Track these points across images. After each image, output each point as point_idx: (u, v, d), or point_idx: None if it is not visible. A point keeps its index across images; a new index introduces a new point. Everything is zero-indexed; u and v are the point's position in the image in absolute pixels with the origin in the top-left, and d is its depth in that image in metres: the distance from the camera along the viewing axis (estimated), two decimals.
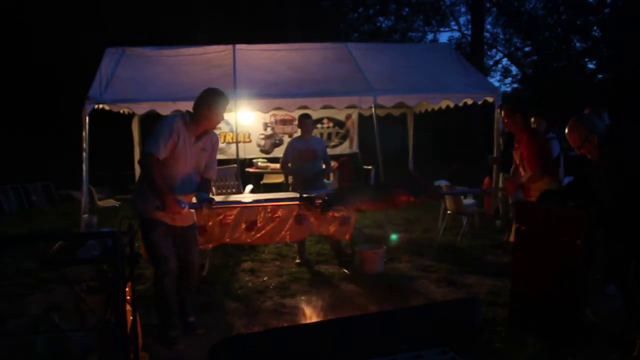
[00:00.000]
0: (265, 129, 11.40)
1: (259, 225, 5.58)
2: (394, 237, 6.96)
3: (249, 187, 8.29)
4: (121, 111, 7.78)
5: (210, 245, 5.61)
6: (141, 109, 7.35)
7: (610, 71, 20.72)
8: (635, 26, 17.44)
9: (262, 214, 5.57)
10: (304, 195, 4.70)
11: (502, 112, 4.86)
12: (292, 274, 5.82)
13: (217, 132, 10.99)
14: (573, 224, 3.70)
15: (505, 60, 24.99)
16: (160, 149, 3.69)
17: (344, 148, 11.87)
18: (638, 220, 3.49)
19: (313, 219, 5.74)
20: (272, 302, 4.96)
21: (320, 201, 4.43)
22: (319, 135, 10.88)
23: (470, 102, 8.27)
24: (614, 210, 3.62)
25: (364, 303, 4.89)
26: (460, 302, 3.83)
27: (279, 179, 10.62)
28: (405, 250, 6.68)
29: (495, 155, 7.73)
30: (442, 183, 7.02)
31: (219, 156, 10.68)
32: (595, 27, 21.88)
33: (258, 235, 5.61)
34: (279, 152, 10.86)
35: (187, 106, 7.47)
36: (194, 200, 4.07)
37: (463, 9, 23.97)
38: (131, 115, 9.26)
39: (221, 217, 5.45)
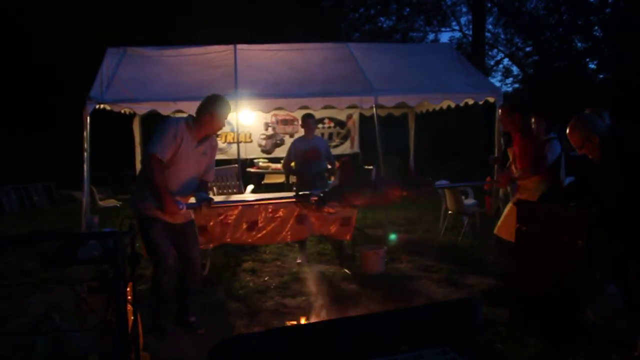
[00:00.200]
0: (267, 129, 11.40)
1: (260, 225, 5.59)
2: (393, 236, 6.95)
3: (250, 187, 8.30)
4: (122, 111, 7.79)
5: (212, 245, 5.62)
6: (142, 109, 7.35)
7: (611, 71, 20.69)
8: (636, 26, 17.42)
9: (263, 214, 5.57)
10: (300, 193, 4.74)
11: (500, 112, 4.88)
12: (293, 274, 5.82)
13: (218, 132, 11.02)
14: (574, 224, 3.70)
15: (506, 61, 24.96)
16: (163, 151, 3.74)
17: (345, 148, 11.87)
18: (639, 220, 3.49)
19: (314, 219, 5.75)
20: (273, 302, 4.96)
21: (315, 198, 4.48)
22: (319, 136, 10.88)
23: (471, 102, 8.27)
24: (615, 210, 3.62)
25: (365, 303, 4.89)
26: (461, 302, 3.84)
27: (280, 179, 10.62)
28: (406, 250, 6.68)
29: (496, 155, 7.72)
30: (443, 183, 7.02)
31: (220, 156, 10.82)
32: (596, 27, 21.85)
33: (259, 235, 5.61)
34: (280, 152, 10.88)
35: (188, 106, 7.54)
36: (192, 200, 4.11)
37: (464, 9, 23.94)
38: (132, 115, 9.27)
39: (222, 217, 5.45)
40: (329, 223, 5.84)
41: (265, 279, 5.71)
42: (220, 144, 10.74)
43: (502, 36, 24.15)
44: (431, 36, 24.77)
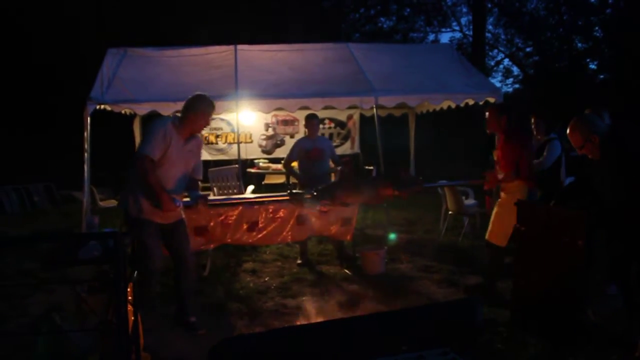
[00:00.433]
0: (267, 130, 11.41)
1: (260, 225, 5.59)
2: (392, 236, 6.95)
3: (251, 187, 8.29)
4: (123, 112, 7.79)
5: (212, 246, 5.61)
6: (142, 109, 7.36)
7: (611, 71, 20.70)
8: (636, 26, 17.43)
9: (263, 215, 5.57)
10: (293, 192, 4.78)
11: (488, 113, 4.90)
12: (294, 275, 5.82)
13: (218, 132, 11.03)
14: (574, 224, 3.69)
15: (506, 61, 25.02)
16: (155, 151, 3.85)
17: (346, 148, 11.87)
18: (639, 220, 3.49)
19: (315, 220, 5.75)
20: (273, 303, 4.96)
21: (309, 196, 4.53)
22: (323, 136, 10.88)
23: (471, 102, 8.27)
24: (615, 211, 3.62)
25: (365, 303, 4.89)
26: (461, 302, 3.83)
27: (281, 179, 10.62)
28: (407, 251, 6.67)
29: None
30: (444, 183, 7.01)
31: (221, 157, 10.81)
32: (596, 28, 21.88)
33: (259, 235, 5.61)
34: (280, 153, 10.88)
35: None
36: (186, 199, 4.24)
37: (464, 10, 24.01)
38: (133, 116, 9.28)
39: (222, 217, 5.45)
40: (330, 224, 5.85)
41: (266, 279, 5.71)
42: (221, 144, 10.76)
43: (503, 36, 24.22)
44: (431, 36, 24.87)
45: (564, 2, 21.54)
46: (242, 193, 7.76)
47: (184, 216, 4.31)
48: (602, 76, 22.23)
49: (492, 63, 24.71)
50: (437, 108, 8.99)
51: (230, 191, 8.02)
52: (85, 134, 7.05)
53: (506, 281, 4.93)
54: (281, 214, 5.61)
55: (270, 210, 5.59)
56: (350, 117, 11.82)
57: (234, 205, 5.47)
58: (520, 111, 7.38)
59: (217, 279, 5.72)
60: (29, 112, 14.88)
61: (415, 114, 10.93)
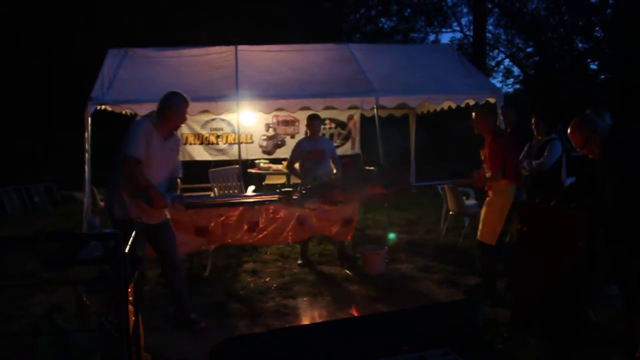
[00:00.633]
0: (267, 130, 11.39)
1: (261, 226, 5.59)
2: (391, 236, 6.95)
3: (251, 188, 8.30)
4: (123, 112, 7.79)
5: (213, 246, 5.62)
6: (143, 109, 7.34)
7: (612, 72, 20.69)
8: (637, 26, 17.42)
9: (264, 215, 5.57)
10: (283, 190, 4.82)
11: (474, 115, 4.95)
12: (294, 275, 5.82)
13: (219, 133, 11.02)
14: (575, 225, 3.69)
15: (507, 61, 25.00)
16: (139, 151, 3.91)
17: (346, 149, 11.86)
18: (639, 220, 3.49)
19: (315, 220, 5.75)
20: (274, 303, 4.96)
21: (297, 195, 4.58)
22: (324, 137, 10.88)
23: (472, 102, 8.25)
24: (616, 211, 3.61)
25: (366, 304, 4.89)
26: (462, 303, 3.84)
27: (281, 179, 10.62)
28: (408, 251, 6.67)
29: None
30: (433, 182, 7.01)
31: (222, 157, 10.79)
32: (597, 28, 21.86)
33: (260, 236, 5.61)
34: (281, 153, 10.87)
35: (189, 107, 7.51)
36: None
37: (465, 10, 23.99)
38: (133, 116, 9.24)
39: (223, 218, 5.45)
40: (330, 224, 5.85)
41: (266, 279, 5.71)
42: (222, 144, 10.75)
43: (503, 37, 24.21)
44: (432, 37, 24.85)
45: (564, 3, 21.53)
46: (243, 193, 7.76)
47: (169, 216, 4.36)
48: (602, 76, 22.22)
49: (493, 63, 24.72)
50: (438, 108, 8.98)
51: (231, 191, 8.02)
52: (86, 134, 7.05)
53: (506, 281, 4.93)
54: (282, 214, 5.62)
55: (271, 211, 5.59)
56: (350, 118, 11.81)
57: (213, 206, 5.47)
58: (521, 112, 7.38)
59: (217, 279, 5.72)
60: (29, 112, 14.88)
61: (415, 114, 10.92)
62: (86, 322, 3.27)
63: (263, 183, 10.91)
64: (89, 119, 6.98)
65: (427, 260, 6.27)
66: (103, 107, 7.15)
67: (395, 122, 11.24)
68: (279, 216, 5.62)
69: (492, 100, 8.01)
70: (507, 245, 4.98)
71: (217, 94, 7.40)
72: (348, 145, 12.03)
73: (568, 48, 21.98)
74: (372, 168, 9.77)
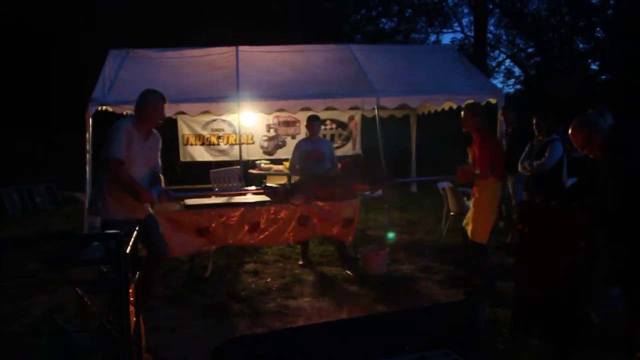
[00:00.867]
0: (268, 131, 11.39)
1: (262, 226, 5.60)
2: (390, 235, 6.94)
3: (251, 188, 8.29)
4: (124, 112, 7.78)
5: (214, 247, 5.62)
6: None
7: (613, 72, 20.67)
8: (638, 27, 17.41)
9: (265, 216, 5.58)
10: (267, 185, 4.86)
11: (463, 113, 4.99)
12: (295, 276, 5.82)
13: (220, 134, 11.01)
14: (576, 225, 3.69)
15: (508, 62, 25.00)
16: (120, 151, 4.00)
17: (347, 149, 11.85)
18: None
19: (316, 220, 5.75)
20: (275, 304, 4.96)
21: (282, 190, 4.63)
22: (324, 138, 10.88)
23: None
24: (617, 211, 3.61)
25: (367, 304, 4.89)
26: (463, 303, 3.83)
27: (282, 180, 10.60)
28: (409, 252, 6.67)
29: None
30: (446, 184, 7.01)
31: (222, 158, 10.78)
32: (598, 28, 21.85)
33: (261, 236, 5.62)
34: (282, 154, 10.87)
35: (190, 108, 7.54)
36: None
37: (466, 11, 23.97)
38: None
39: (224, 218, 5.46)
40: (331, 224, 5.85)
41: (268, 280, 5.71)
42: (222, 145, 10.75)
43: (504, 37, 24.20)
44: (433, 37, 24.82)
45: (565, 3, 21.51)
46: (244, 194, 7.76)
47: (152, 211, 4.46)
48: (603, 77, 22.20)
49: (494, 64, 24.71)
50: (439, 109, 8.98)
51: (232, 192, 8.01)
52: (87, 135, 7.06)
53: (507, 281, 4.93)
54: (283, 215, 5.62)
55: (272, 211, 5.60)
56: (351, 118, 11.80)
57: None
58: (522, 112, 7.39)
59: (218, 279, 5.73)
60: (30, 112, 14.89)
61: (416, 114, 10.92)
62: (87, 323, 3.27)
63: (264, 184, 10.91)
64: (90, 119, 6.98)
65: (427, 261, 6.27)
66: (104, 107, 7.15)
67: (396, 123, 11.24)
68: (280, 217, 5.63)
69: (493, 101, 8.00)
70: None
71: (218, 95, 7.39)
72: (349, 145, 12.02)
73: (569, 48, 21.96)
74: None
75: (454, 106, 8.28)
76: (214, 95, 7.40)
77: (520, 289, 4.27)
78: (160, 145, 4.44)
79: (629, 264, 3.63)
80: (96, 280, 3.18)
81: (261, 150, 11.35)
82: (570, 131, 3.79)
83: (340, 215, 5.84)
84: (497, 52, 24.64)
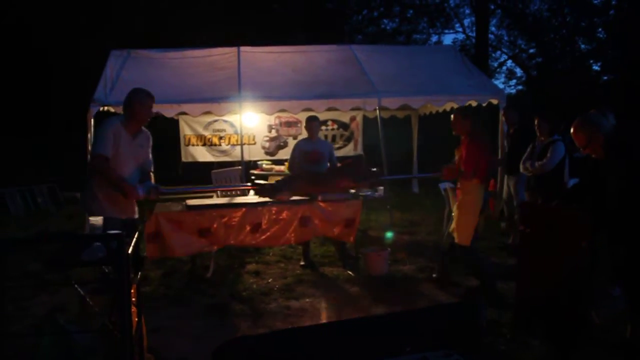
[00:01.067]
0: (270, 131, 11.40)
1: (263, 227, 5.60)
2: (389, 235, 6.93)
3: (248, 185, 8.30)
4: None
5: (215, 247, 5.62)
6: None
7: (615, 72, 20.65)
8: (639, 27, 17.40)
9: (266, 216, 5.59)
10: (256, 182, 4.92)
11: (453, 116, 5.03)
12: (297, 276, 5.82)
13: (222, 134, 11.03)
14: (577, 225, 3.68)
15: (509, 62, 24.98)
16: (107, 150, 4.05)
17: (348, 150, 11.86)
18: None
19: (317, 221, 5.75)
20: (276, 304, 4.96)
21: (269, 186, 4.72)
22: (323, 137, 10.88)
23: (474, 104, 8.25)
24: (618, 211, 3.60)
25: (369, 305, 4.89)
26: (464, 304, 3.83)
27: None
28: (410, 252, 6.67)
29: (499, 157, 7.72)
30: (447, 184, 7.00)
31: (224, 158, 10.79)
32: (600, 29, 21.82)
33: (263, 237, 5.62)
34: (283, 154, 10.87)
35: (192, 108, 7.54)
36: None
37: (467, 11, 23.95)
38: None
39: (226, 219, 5.46)
40: (333, 225, 5.85)
41: (269, 280, 5.71)
42: (224, 146, 10.76)
43: (506, 38, 24.17)
44: (434, 38, 24.81)
45: (567, 4, 21.49)
46: (246, 195, 7.77)
47: (137, 216, 4.48)
48: (605, 77, 22.18)
49: (495, 64, 24.70)
50: (440, 110, 8.98)
51: (233, 192, 8.02)
52: (89, 135, 7.06)
53: (508, 282, 4.93)
54: (284, 215, 5.63)
55: (274, 212, 5.61)
56: (353, 119, 11.81)
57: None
58: (523, 113, 7.38)
59: (220, 280, 5.73)
60: (32, 113, 14.92)
61: (418, 115, 10.92)
62: (89, 323, 3.28)
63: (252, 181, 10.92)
64: (92, 120, 6.99)
65: (429, 262, 6.27)
66: (106, 108, 7.16)
67: (398, 123, 11.25)
68: (281, 217, 5.64)
69: (494, 102, 8.00)
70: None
71: (219, 95, 7.41)
72: (350, 146, 12.03)
73: (570, 49, 21.94)
74: (375, 169, 9.79)
75: (456, 107, 8.27)
76: (216, 95, 7.41)
77: (521, 289, 4.26)
78: (150, 143, 4.46)
79: (630, 264, 3.63)
80: (98, 280, 3.19)
81: (263, 151, 11.36)
82: (572, 130, 3.79)
83: (342, 215, 5.84)
84: (498, 52, 24.65)
